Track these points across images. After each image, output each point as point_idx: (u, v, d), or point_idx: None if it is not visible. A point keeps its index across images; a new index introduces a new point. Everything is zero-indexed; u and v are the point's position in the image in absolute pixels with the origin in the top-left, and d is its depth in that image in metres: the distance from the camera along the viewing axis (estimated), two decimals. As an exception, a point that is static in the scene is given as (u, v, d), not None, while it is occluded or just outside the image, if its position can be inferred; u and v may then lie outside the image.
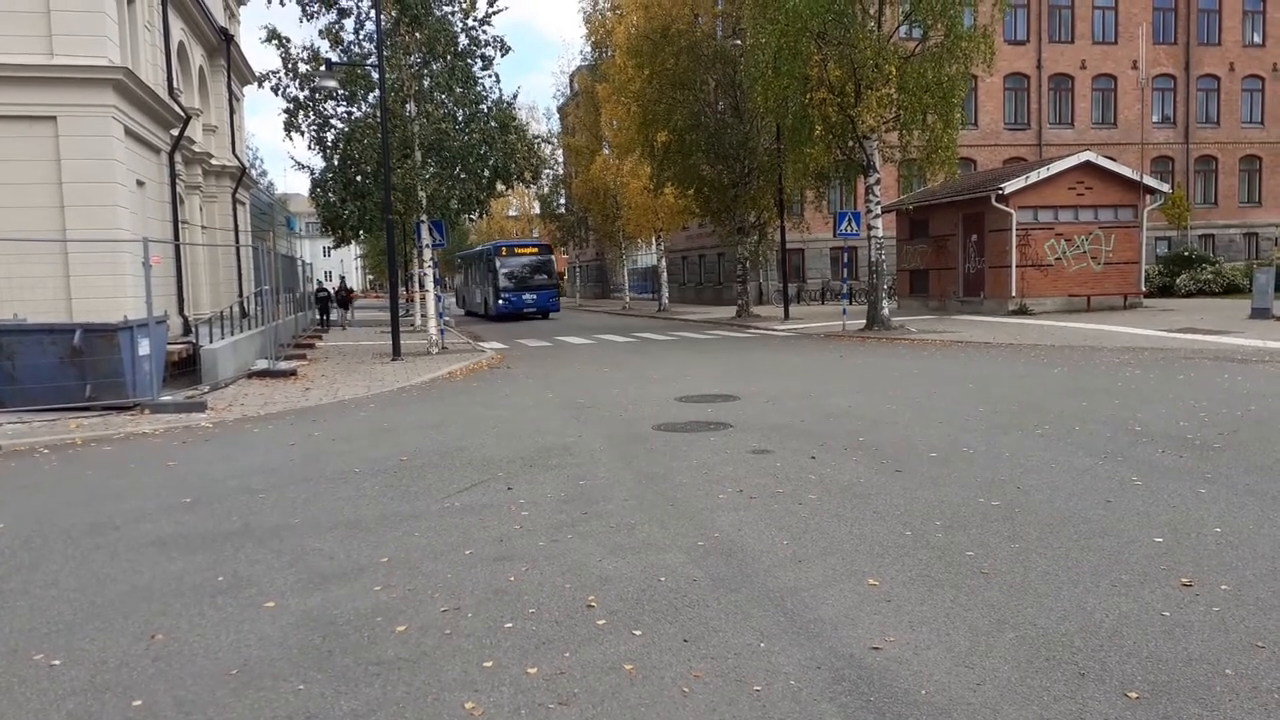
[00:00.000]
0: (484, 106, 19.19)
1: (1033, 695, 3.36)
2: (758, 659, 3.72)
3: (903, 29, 21.31)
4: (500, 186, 21.30)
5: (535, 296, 36.32)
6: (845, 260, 25.42)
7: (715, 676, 3.57)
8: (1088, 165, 24.30)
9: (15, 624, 4.34)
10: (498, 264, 36.29)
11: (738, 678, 3.56)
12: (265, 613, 4.40)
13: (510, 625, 4.14)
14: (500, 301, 35.93)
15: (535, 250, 37.81)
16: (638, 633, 4.02)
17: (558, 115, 55.37)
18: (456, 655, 3.84)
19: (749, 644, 3.87)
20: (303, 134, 18.85)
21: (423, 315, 21.36)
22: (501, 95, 20.43)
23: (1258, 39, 40.68)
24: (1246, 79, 40.66)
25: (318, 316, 31.50)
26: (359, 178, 19.26)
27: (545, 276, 37.14)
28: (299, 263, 31.79)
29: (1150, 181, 25.42)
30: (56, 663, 3.88)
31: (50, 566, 5.21)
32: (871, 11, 20.49)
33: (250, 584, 4.81)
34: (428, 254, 19.79)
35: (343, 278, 45.98)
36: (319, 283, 36.04)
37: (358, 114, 19.45)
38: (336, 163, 19.35)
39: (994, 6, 20.72)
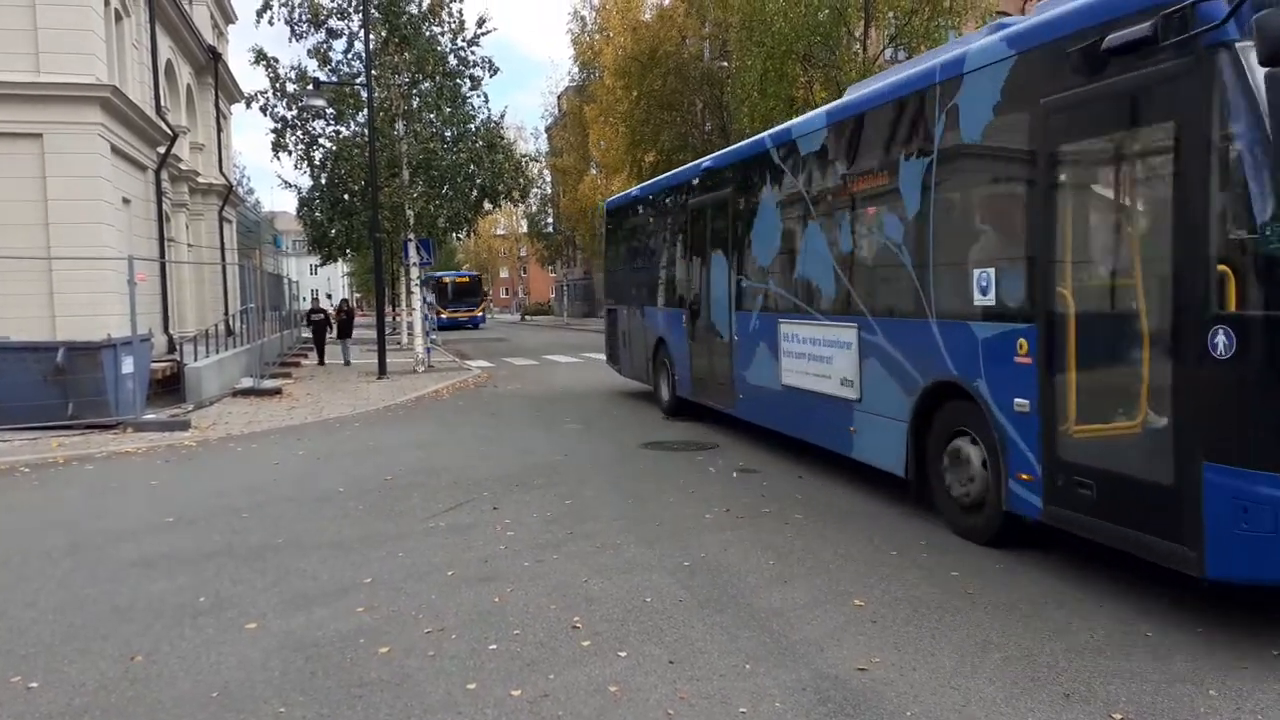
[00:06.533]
0: (472, 126, 19.27)
1: (1018, 716, 3.36)
2: (743, 681, 3.71)
3: (887, 52, 21.54)
4: (488, 205, 21.37)
5: None
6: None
7: (701, 698, 3.56)
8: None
9: (-8, 646, 4.29)
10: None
11: (723, 700, 3.54)
12: (247, 634, 4.35)
13: (494, 647, 4.11)
14: None
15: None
16: (623, 654, 4.01)
17: (545, 136, 55.66)
18: (440, 677, 3.81)
19: (735, 665, 3.86)
20: (290, 153, 18.85)
21: (409, 333, 21.33)
22: (489, 115, 20.53)
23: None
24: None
25: (314, 347, 23.16)
26: (346, 196, 19.29)
27: None
28: (285, 281, 31.55)
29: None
30: (34, 685, 3.83)
31: (29, 587, 5.15)
32: (857, 35, 20.73)
33: (232, 605, 4.77)
34: (415, 272, 19.79)
35: (345, 299, 31.72)
36: (314, 302, 25.51)
37: (345, 133, 19.49)
38: (324, 181, 19.36)
39: (978, 30, 20.99)
